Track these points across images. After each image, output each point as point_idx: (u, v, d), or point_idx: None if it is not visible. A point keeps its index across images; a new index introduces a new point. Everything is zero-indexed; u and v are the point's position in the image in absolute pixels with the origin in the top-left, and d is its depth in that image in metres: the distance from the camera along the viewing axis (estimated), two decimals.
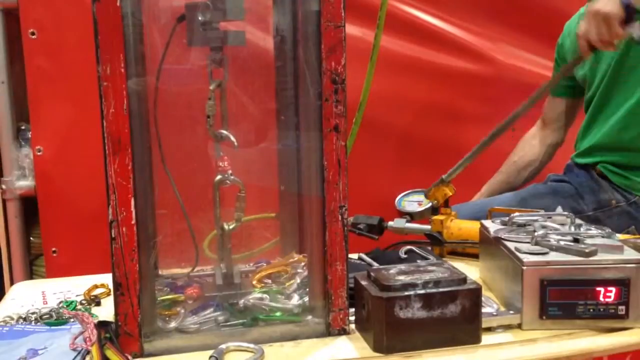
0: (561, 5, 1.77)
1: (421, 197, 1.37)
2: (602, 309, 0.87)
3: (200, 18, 0.88)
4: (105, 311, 0.98)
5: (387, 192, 1.44)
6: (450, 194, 1.29)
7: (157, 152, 0.92)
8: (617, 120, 1.48)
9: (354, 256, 1.18)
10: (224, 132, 0.93)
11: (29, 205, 1.71)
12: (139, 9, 0.83)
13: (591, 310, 0.87)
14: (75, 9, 1.60)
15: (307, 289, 0.92)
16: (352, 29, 1.64)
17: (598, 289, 0.87)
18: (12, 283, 1.65)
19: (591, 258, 0.88)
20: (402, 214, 1.37)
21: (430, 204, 1.32)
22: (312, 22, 0.84)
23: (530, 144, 1.76)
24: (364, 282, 0.87)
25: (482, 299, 0.86)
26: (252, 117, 1.04)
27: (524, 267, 0.88)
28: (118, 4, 0.76)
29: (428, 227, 1.28)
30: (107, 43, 0.76)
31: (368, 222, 1.32)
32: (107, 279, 1.08)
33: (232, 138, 0.93)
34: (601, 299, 0.87)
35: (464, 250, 1.25)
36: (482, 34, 1.94)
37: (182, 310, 0.90)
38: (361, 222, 1.32)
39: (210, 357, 0.80)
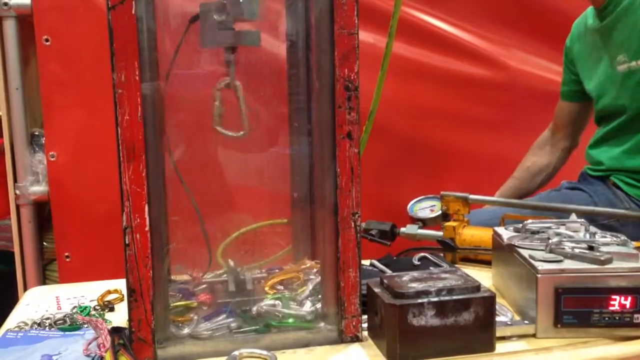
0: (573, 10, 1.76)
1: (433, 203, 1.36)
2: (617, 317, 0.86)
3: (214, 17, 0.88)
4: (119, 317, 0.99)
5: (400, 198, 1.44)
6: (464, 212, 1.29)
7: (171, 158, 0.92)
8: (630, 147, 1.47)
9: (365, 262, 1.17)
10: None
11: (43, 210, 1.72)
12: (153, 16, 0.84)
13: (606, 318, 0.86)
14: (89, 15, 1.61)
15: (320, 296, 0.92)
16: (363, 35, 1.64)
17: (613, 297, 0.86)
18: (25, 288, 1.65)
19: (606, 266, 0.88)
20: (414, 220, 1.36)
21: (441, 211, 1.32)
22: (325, 29, 0.84)
23: (543, 150, 1.75)
24: (376, 289, 0.87)
25: (496, 306, 0.86)
26: (265, 123, 1.04)
27: (539, 275, 0.87)
28: (133, 11, 0.77)
29: (440, 233, 1.28)
30: (122, 50, 0.77)
31: (380, 228, 1.32)
32: (120, 284, 1.08)
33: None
34: (616, 307, 0.86)
35: (477, 257, 1.25)
36: (494, 39, 1.93)
37: (195, 317, 0.90)
38: (373, 228, 1.32)
39: None
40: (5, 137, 1.65)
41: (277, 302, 0.92)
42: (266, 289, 0.97)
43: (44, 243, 1.73)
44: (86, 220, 1.65)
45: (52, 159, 1.64)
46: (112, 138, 0.79)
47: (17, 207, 1.67)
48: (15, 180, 1.66)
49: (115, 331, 0.86)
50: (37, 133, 1.70)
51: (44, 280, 1.72)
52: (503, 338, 0.87)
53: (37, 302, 1.07)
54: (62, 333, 0.92)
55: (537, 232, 1.02)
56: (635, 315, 0.86)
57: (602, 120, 1.56)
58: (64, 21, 1.62)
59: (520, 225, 1.05)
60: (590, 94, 1.57)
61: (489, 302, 0.84)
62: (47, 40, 1.61)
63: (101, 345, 0.85)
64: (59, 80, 1.63)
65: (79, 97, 1.64)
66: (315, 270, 0.99)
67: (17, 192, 1.65)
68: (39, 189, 1.66)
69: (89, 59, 1.62)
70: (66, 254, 1.66)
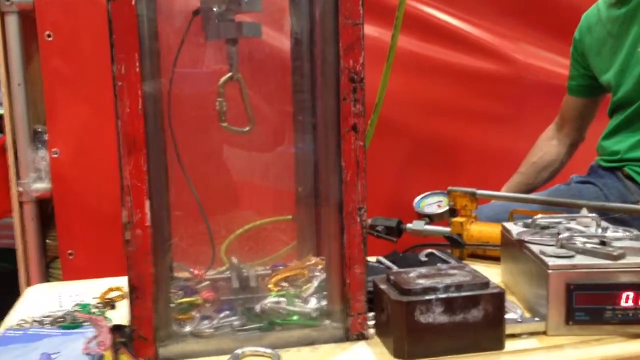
0: (581, 3, 1.73)
1: (440, 199, 1.35)
2: (630, 314, 0.84)
3: (215, 9, 0.86)
4: (120, 314, 0.97)
5: (406, 194, 1.42)
6: (471, 208, 1.27)
7: (172, 153, 0.91)
8: None
9: (371, 259, 1.15)
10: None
11: (45, 207, 1.71)
12: (154, 8, 0.82)
13: (619, 315, 0.84)
14: (91, 10, 1.60)
15: (325, 293, 0.90)
16: (369, 29, 1.62)
17: (626, 293, 0.84)
18: (28, 286, 1.64)
19: (619, 261, 0.85)
20: (421, 215, 1.35)
21: (448, 207, 1.30)
22: (330, 20, 0.83)
23: (550, 144, 1.72)
24: (383, 286, 0.85)
25: (506, 303, 0.84)
26: (269, 118, 1.03)
27: (550, 271, 0.85)
28: (133, 3, 0.75)
29: (448, 229, 1.26)
30: (122, 42, 0.75)
31: (386, 224, 1.30)
32: (123, 281, 1.06)
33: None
34: (630, 303, 0.84)
35: (485, 253, 1.23)
36: (502, 33, 1.91)
37: (197, 314, 0.88)
38: (379, 224, 1.30)
39: None
40: (8, 134, 1.64)
41: (281, 299, 0.90)
42: (270, 286, 0.95)
43: (47, 240, 1.72)
44: (89, 218, 1.64)
45: (54, 156, 1.63)
46: (115, 134, 0.77)
47: (20, 204, 1.66)
48: (17, 177, 1.65)
49: (116, 329, 0.85)
50: (39, 129, 1.69)
51: (47, 278, 1.71)
52: (513, 335, 0.85)
53: (38, 299, 1.06)
54: (63, 331, 0.90)
55: (547, 228, 1.00)
56: None
57: (616, 111, 1.53)
58: (66, 17, 1.61)
59: (530, 220, 1.03)
60: (607, 85, 1.54)
61: (498, 299, 0.82)
62: (49, 35, 1.60)
63: (101, 343, 0.83)
64: (62, 76, 1.62)
65: (81, 93, 1.63)
66: (320, 267, 0.97)
67: (20, 189, 1.64)
68: (41, 186, 1.65)
69: (91, 55, 1.61)
70: (69, 251, 1.65)
